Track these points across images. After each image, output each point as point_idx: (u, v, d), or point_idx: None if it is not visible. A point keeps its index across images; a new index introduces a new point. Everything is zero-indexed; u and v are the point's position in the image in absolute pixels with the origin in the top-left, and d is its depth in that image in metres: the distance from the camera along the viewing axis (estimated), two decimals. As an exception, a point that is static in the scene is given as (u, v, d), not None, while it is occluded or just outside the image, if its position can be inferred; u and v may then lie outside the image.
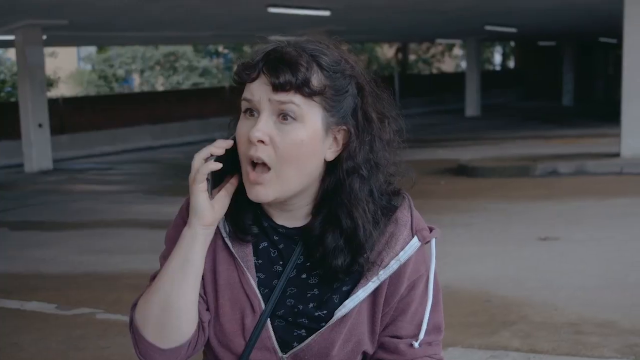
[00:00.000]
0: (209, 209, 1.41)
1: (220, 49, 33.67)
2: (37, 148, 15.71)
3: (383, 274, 1.45)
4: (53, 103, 18.18)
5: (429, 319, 1.52)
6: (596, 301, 5.40)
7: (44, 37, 15.97)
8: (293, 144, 1.38)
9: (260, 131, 1.37)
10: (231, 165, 1.44)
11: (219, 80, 32.80)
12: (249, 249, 1.49)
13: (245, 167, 1.42)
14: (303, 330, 1.48)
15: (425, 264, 1.52)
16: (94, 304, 5.93)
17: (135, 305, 1.49)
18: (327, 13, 15.10)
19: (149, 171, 15.68)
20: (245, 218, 1.49)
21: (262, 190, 1.40)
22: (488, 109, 27.10)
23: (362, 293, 1.46)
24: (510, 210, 8.96)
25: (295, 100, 1.37)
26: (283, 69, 1.37)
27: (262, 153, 1.38)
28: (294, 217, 1.50)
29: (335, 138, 1.44)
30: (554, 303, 5.37)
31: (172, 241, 1.49)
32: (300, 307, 1.48)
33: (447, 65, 41.62)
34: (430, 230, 1.51)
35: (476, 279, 6.08)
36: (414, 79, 33.97)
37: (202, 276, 1.47)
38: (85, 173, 15.76)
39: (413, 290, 1.50)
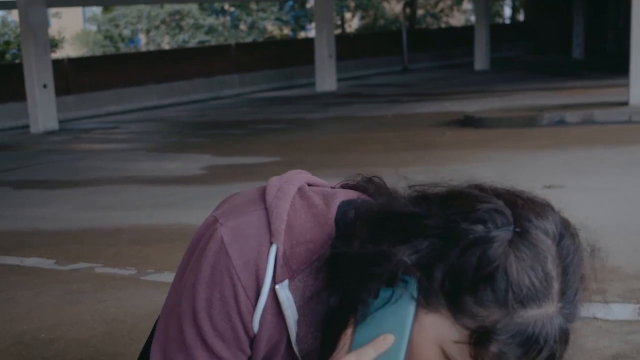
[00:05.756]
0: None
1: (226, 6, 33.34)
2: (42, 109, 15.64)
3: None
4: (58, 63, 18.06)
5: None
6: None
7: (46, -4, 15.84)
8: None
9: None
10: None
11: (225, 38, 32.55)
12: None
13: None
14: None
15: None
16: (92, 258, 5.89)
17: None
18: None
19: (154, 129, 15.60)
20: None
21: None
22: (497, 62, 26.76)
23: None
24: (515, 160, 8.84)
25: None
26: None
27: None
28: None
29: None
30: (556, 249, 5.29)
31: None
32: None
33: (456, 20, 41.11)
34: None
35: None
36: (422, 33, 33.49)
37: None
38: (90, 132, 15.70)
39: None
